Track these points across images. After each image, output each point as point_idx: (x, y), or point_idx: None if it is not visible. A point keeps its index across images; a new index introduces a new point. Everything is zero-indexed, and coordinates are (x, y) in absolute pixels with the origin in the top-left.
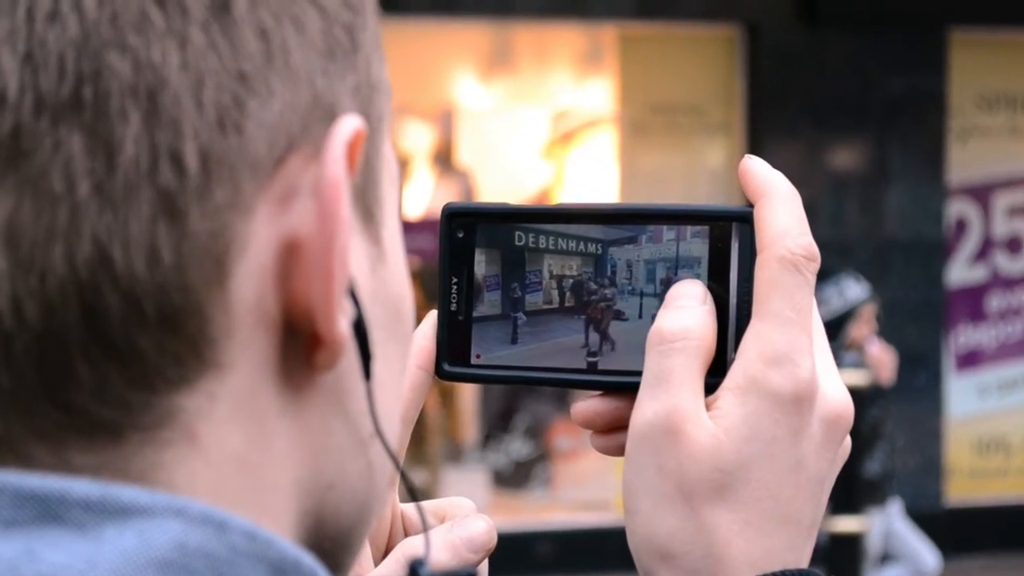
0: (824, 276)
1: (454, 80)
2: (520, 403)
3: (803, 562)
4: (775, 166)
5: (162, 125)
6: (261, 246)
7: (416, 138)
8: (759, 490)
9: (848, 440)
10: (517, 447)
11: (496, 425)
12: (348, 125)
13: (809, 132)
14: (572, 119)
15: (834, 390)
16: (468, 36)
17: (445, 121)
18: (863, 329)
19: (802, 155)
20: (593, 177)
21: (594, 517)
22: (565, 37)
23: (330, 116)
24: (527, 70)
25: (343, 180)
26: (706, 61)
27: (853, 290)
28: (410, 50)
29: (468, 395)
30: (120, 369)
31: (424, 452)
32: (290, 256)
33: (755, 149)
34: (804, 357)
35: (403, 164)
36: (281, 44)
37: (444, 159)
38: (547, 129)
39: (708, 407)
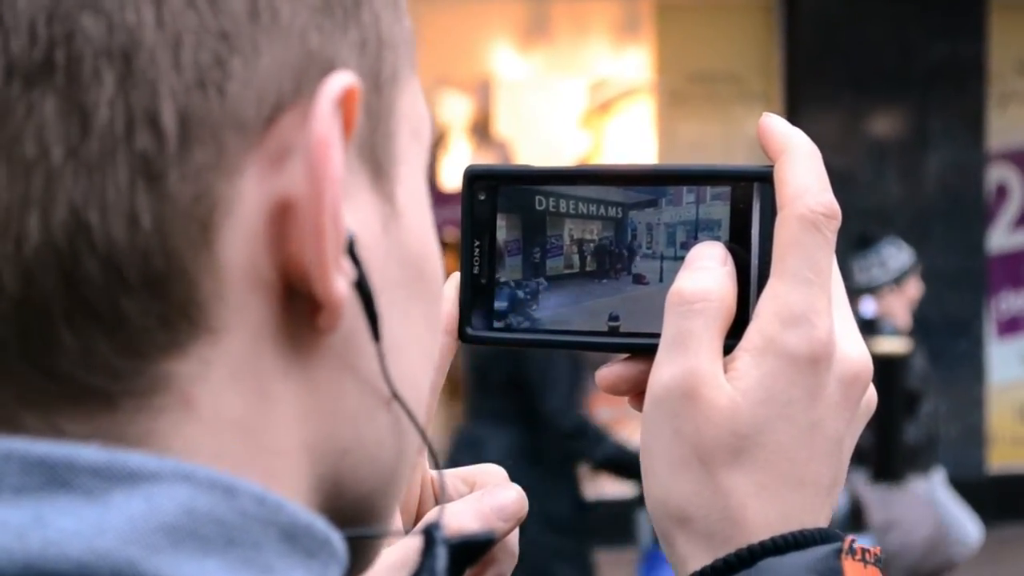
0: (870, 240)
1: (492, 51)
2: None
3: (821, 522)
4: (814, 134)
5: (137, 87)
6: (251, 207)
7: (454, 109)
8: (775, 452)
9: (872, 396)
10: None
11: None
12: (337, 82)
13: (848, 100)
14: (610, 89)
15: (852, 349)
16: (506, 6)
17: (483, 92)
18: (915, 289)
19: (841, 123)
20: (631, 147)
21: (632, 488)
22: (602, 6)
23: (327, 72)
24: (565, 40)
25: (331, 137)
26: (744, 29)
27: (906, 251)
28: (448, 21)
29: None
30: (106, 335)
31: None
32: (284, 217)
33: (794, 117)
34: (821, 317)
35: (441, 135)
36: (268, 1)
37: (482, 130)
38: (585, 99)
39: (725, 368)
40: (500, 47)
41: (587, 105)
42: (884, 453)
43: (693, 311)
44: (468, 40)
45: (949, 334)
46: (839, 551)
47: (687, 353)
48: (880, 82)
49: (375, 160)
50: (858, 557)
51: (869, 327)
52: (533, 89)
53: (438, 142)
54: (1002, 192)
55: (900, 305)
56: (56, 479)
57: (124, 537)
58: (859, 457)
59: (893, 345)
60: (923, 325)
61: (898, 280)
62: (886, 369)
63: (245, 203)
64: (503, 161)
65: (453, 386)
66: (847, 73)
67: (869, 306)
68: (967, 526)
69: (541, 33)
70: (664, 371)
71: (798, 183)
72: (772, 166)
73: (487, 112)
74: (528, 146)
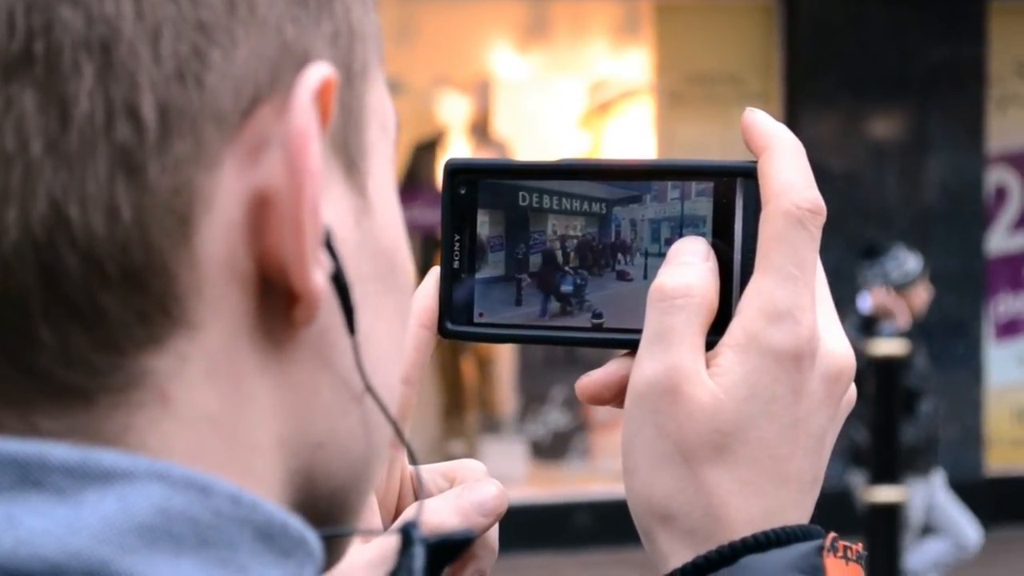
0: (884, 244)
1: (491, 51)
2: (558, 373)
3: (804, 518)
4: (813, 136)
5: (117, 79)
6: (229, 200)
7: (453, 109)
8: (758, 449)
9: (853, 392)
10: (555, 418)
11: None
12: (315, 73)
13: (848, 102)
14: (609, 90)
15: (835, 346)
16: (505, 6)
17: (482, 92)
18: (920, 298)
19: (841, 125)
20: (630, 148)
21: None
22: (602, 7)
23: (303, 64)
24: (564, 40)
25: (310, 129)
26: (744, 31)
27: (911, 263)
28: (447, 21)
29: (505, 365)
30: (84, 331)
31: (462, 423)
32: (261, 210)
33: (793, 119)
34: (805, 314)
35: (440, 135)
36: None
37: (481, 130)
38: (584, 100)
39: (708, 364)
40: (499, 47)
41: (586, 106)
42: (884, 455)
43: (675, 307)
44: (467, 40)
45: (948, 336)
46: (821, 548)
47: (669, 349)
48: (880, 84)
49: (347, 154)
50: (840, 554)
51: (868, 328)
52: (532, 89)
53: (437, 142)
54: (1001, 194)
55: (900, 306)
56: (28, 478)
57: (97, 537)
58: (857, 458)
59: (892, 347)
60: (922, 327)
61: (902, 287)
62: (886, 370)
63: (223, 196)
64: None
65: (452, 387)
66: (847, 75)
67: (866, 302)
68: (967, 531)
69: (540, 33)
70: (646, 367)
71: (783, 179)
72: (755, 162)
73: (486, 112)
74: (527, 146)
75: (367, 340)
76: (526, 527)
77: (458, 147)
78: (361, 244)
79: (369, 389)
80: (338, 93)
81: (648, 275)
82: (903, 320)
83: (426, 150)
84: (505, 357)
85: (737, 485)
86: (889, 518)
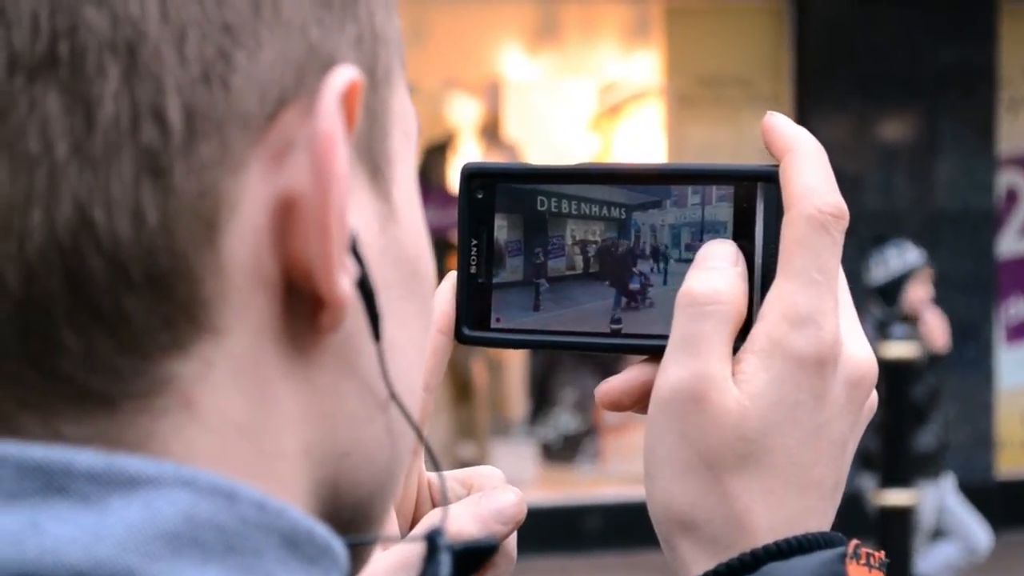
0: (882, 240)
1: (501, 53)
2: (568, 376)
3: (825, 526)
4: (824, 138)
5: (142, 80)
6: (254, 204)
7: (464, 111)
8: (781, 457)
9: (874, 398)
10: (566, 421)
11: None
12: (342, 76)
13: (858, 104)
14: (619, 92)
15: (858, 351)
16: (515, 9)
17: (492, 94)
18: (920, 291)
19: (851, 127)
20: (640, 150)
21: (643, 491)
22: (612, 9)
23: (327, 67)
24: (574, 42)
25: (336, 133)
26: (754, 33)
27: (912, 253)
28: (457, 23)
29: (516, 368)
30: (108, 335)
31: (472, 426)
32: (287, 214)
33: (803, 121)
34: (828, 319)
35: (451, 137)
36: None
37: (491, 132)
38: (594, 102)
39: (731, 370)
40: (509, 49)
41: (596, 108)
42: (896, 459)
43: (704, 313)
44: (477, 42)
45: (958, 339)
46: (843, 555)
47: (697, 356)
48: (890, 87)
49: (372, 159)
50: (863, 561)
51: (881, 331)
52: (542, 92)
53: (447, 144)
54: (1011, 197)
55: (941, 326)
56: (52, 484)
57: (122, 544)
58: (868, 462)
59: (904, 350)
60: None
61: (912, 273)
62: (897, 374)
63: (249, 200)
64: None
65: (460, 389)
66: (857, 77)
67: (929, 313)
68: (977, 533)
69: (550, 36)
70: (672, 373)
71: (805, 183)
72: (776, 165)
73: (496, 114)
74: (537, 149)
75: (391, 347)
76: (536, 530)
77: (468, 149)
78: (385, 250)
79: (394, 396)
80: (363, 97)
81: (668, 281)
82: (941, 342)
83: (436, 152)
84: (516, 360)
85: (760, 493)
86: (900, 521)
